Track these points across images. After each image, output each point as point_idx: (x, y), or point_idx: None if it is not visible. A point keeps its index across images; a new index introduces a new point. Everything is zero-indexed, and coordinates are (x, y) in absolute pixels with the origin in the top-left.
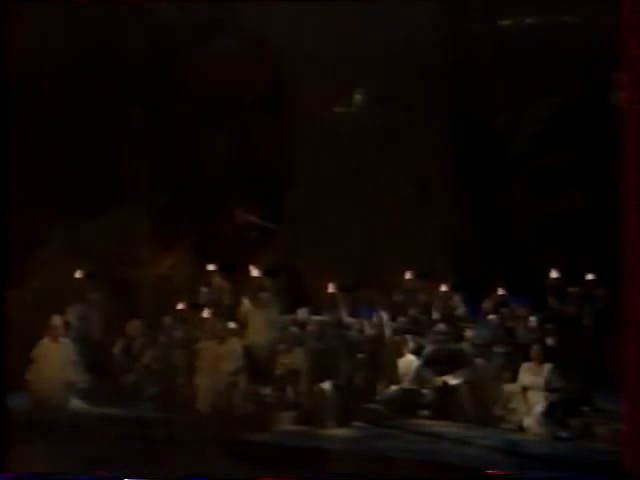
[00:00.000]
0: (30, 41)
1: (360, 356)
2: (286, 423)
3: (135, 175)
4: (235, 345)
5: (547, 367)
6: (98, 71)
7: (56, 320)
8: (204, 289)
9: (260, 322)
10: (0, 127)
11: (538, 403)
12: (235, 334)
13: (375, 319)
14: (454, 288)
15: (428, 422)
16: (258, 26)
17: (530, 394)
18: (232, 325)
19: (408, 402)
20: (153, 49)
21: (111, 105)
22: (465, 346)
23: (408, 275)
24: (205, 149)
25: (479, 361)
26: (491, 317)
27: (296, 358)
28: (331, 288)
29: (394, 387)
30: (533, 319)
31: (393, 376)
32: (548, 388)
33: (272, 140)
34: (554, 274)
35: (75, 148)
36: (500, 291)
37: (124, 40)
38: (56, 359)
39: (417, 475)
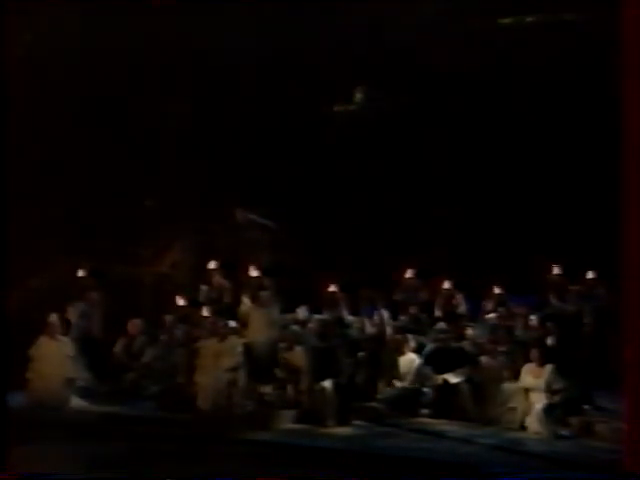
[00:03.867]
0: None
1: (361, 354)
2: (287, 421)
3: (134, 174)
4: (235, 342)
5: (548, 368)
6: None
7: (53, 318)
8: (204, 287)
9: (261, 320)
10: (0, 125)
11: (539, 402)
12: (235, 332)
13: (376, 318)
14: (456, 286)
15: (429, 421)
16: None
17: (531, 393)
18: (232, 323)
19: (409, 401)
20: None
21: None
22: (466, 345)
23: (409, 274)
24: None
25: (480, 360)
26: (492, 316)
27: (297, 356)
28: (332, 287)
29: (395, 385)
30: (533, 318)
31: (394, 374)
32: (549, 390)
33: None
34: (555, 271)
35: (75, 147)
36: (500, 290)
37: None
38: (54, 356)
39: (417, 474)
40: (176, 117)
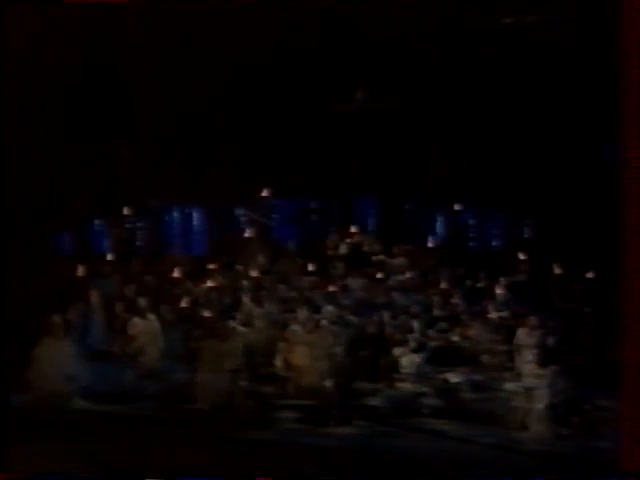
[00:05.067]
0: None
1: (361, 354)
2: (287, 421)
3: (134, 173)
4: (235, 343)
5: (548, 368)
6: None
7: (56, 318)
8: (204, 287)
9: (261, 320)
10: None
11: (539, 402)
12: (235, 332)
13: (376, 317)
14: (456, 286)
15: (429, 421)
16: None
17: (532, 393)
18: (233, 323)
19: (409, 400)
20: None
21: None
22: (466, 344)
23: (408, 274)
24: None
25: (480, 359)
26: (492, 315)
27: (297, 356)
28: (331, 286)
29: (395, 386)
30: (534, 318)
31: (394, 375)
32: (550, 390)
33: None
34: (556, 271)
35: (75, 146)
36: (500, 290)
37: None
38: (58, 357)
39: (417, 474)
40: (176, 117)
